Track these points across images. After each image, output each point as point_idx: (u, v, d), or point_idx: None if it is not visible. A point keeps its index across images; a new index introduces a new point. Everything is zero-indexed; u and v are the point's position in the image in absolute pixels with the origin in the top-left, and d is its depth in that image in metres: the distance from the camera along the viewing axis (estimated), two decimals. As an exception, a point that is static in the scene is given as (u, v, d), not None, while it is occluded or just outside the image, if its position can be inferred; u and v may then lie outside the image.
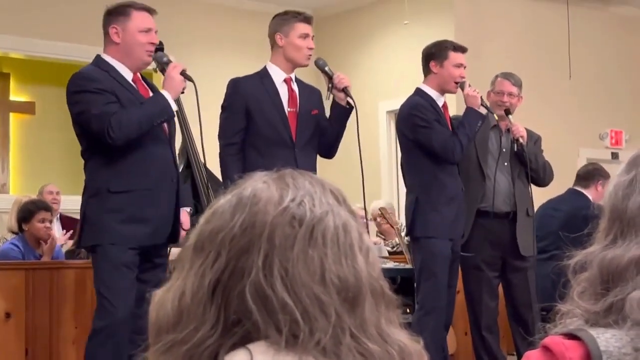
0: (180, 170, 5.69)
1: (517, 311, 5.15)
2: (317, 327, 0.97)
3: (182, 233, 4.03)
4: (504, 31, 8.20)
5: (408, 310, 5.49)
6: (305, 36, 4.32)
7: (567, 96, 7.71)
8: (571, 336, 1.11)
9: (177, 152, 6.26)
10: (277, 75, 4.37)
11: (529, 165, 5.02)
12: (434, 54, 4.85)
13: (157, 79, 7.68)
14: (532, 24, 8.39)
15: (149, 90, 4.01)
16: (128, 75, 3.91)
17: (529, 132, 5.16)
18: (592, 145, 8.69)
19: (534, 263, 5.06)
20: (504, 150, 5.09)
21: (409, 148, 4.84)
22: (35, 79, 8.23)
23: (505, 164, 5.09)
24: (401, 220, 6.31)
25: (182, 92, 3.90)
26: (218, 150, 4.44)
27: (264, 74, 4.39)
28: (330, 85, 4.35)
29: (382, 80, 8.37)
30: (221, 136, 4.39)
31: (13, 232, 6.11)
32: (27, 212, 5.78)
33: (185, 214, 4.06)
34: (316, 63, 4.42)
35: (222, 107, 4.42)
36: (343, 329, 0.98)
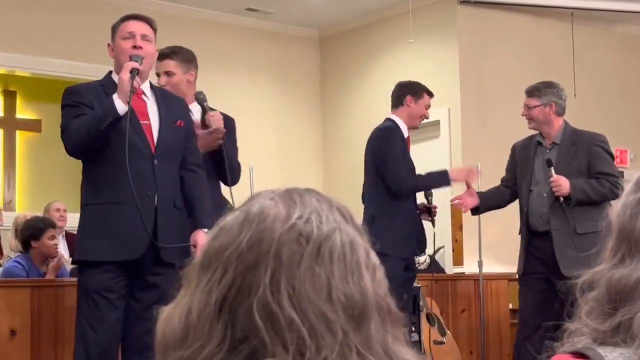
0: None
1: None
2: (324, 344, 0.96)
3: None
4: (508, 49, 8.21)
5: (414, 329, 5.47)
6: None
7: (571, 115, 7.66)
8: (579, 355, 1.11)
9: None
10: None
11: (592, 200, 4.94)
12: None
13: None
14: (537, 42, 8.39)
15: (150, 100, 3.93)
16: None
17: (586, 136, 5.22)
18: (597, 164, 8.65)
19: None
20: (544, 166, 5.08)
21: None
22: (42, 96, 8.25)
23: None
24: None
25: (132, 92, 3.70)
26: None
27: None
28: (203, 120, 4.37)
29: (388, 98, 8.37)
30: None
31: (14, 251, 6.11)
32: (38, 230, 5.76)
33: (201, 233, 3.86)
34: (196, 96, 4.42)
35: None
36: (349, 346, 0.97)
